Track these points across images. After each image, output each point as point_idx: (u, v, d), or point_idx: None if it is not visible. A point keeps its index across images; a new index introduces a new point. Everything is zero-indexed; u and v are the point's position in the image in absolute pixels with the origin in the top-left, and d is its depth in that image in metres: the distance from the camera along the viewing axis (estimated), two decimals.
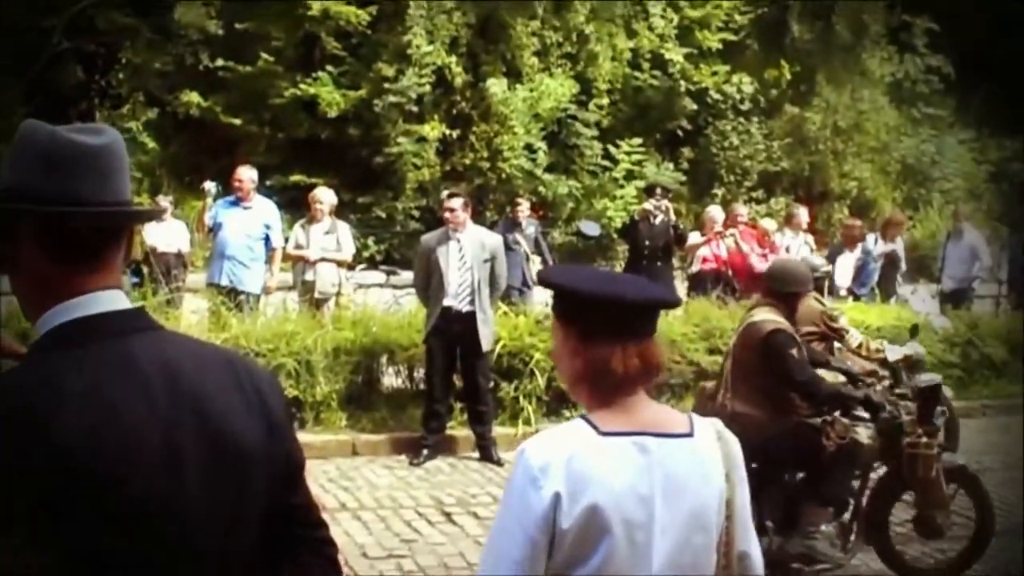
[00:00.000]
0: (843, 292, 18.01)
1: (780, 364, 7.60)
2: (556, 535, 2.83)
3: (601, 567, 2.84)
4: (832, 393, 7.93)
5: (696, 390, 8.94)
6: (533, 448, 2.91)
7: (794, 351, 7.65)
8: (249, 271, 13.27)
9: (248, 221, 13.34)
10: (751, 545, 3.15)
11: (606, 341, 2.98)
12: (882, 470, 8.20)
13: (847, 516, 8.05)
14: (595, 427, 2.94)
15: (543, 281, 3.31)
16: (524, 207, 17.30)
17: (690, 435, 3.03)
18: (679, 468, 2.94)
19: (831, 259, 18.39)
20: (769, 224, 16.94)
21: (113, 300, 2.28)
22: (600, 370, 2.98)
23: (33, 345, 2.28)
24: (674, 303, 3.46)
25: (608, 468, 2.86)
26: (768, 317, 7.71)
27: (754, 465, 7.66)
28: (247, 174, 13.57)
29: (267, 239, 13.49)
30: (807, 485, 7.93)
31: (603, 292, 3.02)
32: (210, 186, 13.76)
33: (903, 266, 18.66)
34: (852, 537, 8.02)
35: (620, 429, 2.93)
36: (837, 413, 7.83)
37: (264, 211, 13.60)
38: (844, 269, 18.18)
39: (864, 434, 7.79)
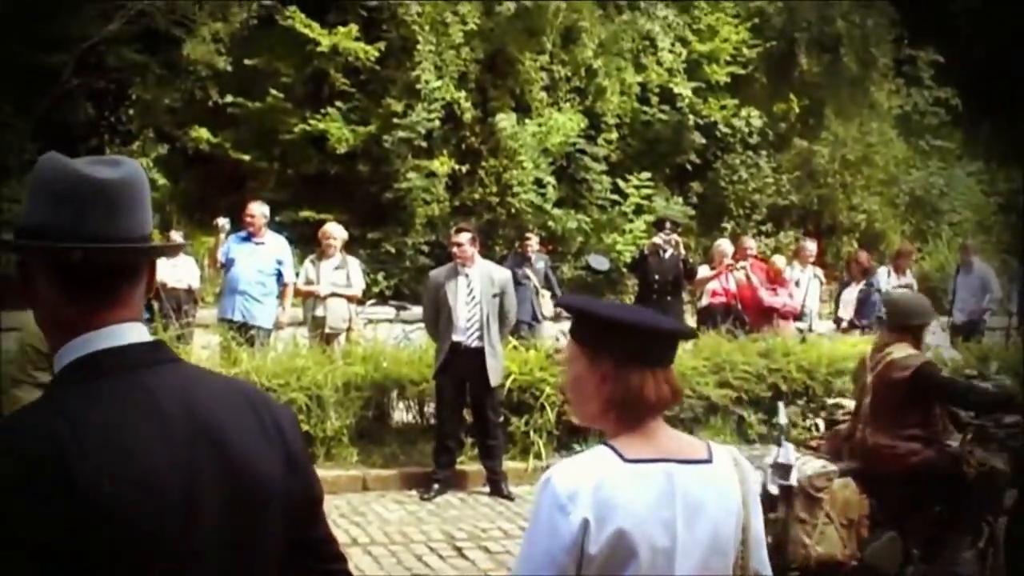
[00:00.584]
0: (844, 324, 18.04)
1: (943, 389, 7.94)
2: (583, 560, 2.88)
3: None
4: (1007, 395, 8.22)
5: (832, 433, 8.99)
6: (560, 475, 2.97)
7: (945, 374, 8.23)
8: (261, 306, 13.31)
9: (260, 257, 13.38)
10: (764, 567, 3.23)
11: (638, 369, 3.05)
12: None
13: (982, 543, 8.18)
14: (620, 454, 3.00)
15: (570, 308, 3.37)
16: (533, 241, 17.35)
17: (709, 461, 3.10)
18: (700, 494, 3.01)
19: (839, 292, 18.46)
20: (780, 261, 16.92)
21: (131, 333, 2.27)
22: (633, 397, 3.05)
23: (52, 380, 2.28)
24: (693, 335, 3.59)
25: (634, 494, 2.93)
26: (909, 352, 7.92)
27: (898, 495, 7.80)
28: (259, 210, 13.62)
29: (279, 274, 13.52)
30: (949, 513, 8.07)
31: (640, 321, 3.13)
32: (223, 222, 13.78)
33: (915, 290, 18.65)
34: (989, 563, 8.16)
35: (644, 456, 3.00)
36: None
37: (276, 247, 13.65)
38: (847, 302, 18.22)
39: (999, 461, 7.99)
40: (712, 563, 3.03)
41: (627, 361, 3.07)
